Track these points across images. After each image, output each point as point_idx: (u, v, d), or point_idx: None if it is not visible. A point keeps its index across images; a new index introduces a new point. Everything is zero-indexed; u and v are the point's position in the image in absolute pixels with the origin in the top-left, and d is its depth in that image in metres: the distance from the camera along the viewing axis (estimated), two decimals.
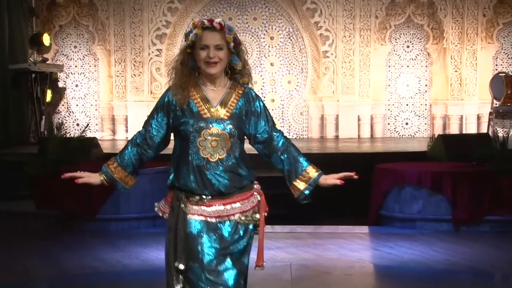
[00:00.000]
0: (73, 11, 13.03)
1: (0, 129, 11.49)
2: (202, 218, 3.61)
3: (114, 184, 3.77)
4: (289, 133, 12.71)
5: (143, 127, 3.77)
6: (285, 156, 3.73)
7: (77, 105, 13.12)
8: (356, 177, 3.65)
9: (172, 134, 3.76)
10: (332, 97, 12.87)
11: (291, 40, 12.86)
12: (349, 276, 6.59)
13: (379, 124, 12.91)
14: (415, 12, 12.78)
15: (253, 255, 3.72)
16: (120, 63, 12.97)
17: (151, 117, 3.75)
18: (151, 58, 12.95)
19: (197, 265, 3.57)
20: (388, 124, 12.95)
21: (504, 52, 12.77)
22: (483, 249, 7.46)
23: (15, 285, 6.36)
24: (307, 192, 3.72)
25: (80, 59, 13.10)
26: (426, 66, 12.86)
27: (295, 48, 12.84)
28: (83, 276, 6.60)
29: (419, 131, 12.91)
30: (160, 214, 3.76)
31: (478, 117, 12.75)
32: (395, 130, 12.94)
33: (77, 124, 12.92)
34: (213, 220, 3.61)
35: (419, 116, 12.91)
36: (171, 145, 3.80)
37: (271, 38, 12.92)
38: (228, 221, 3.63)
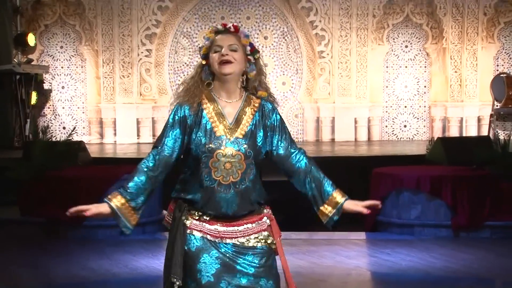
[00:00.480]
0: (59, 10, 12.94)
1: None
2: (202, 235, 3.45)
3: (117, 221, 3.44)
4: None
5: (154, 149, 3.48)
6: (309, 179, 3.56)
7: (63, 107, 13.02)
8: (380, 207, 3.57)
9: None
10: (328, 98, 12.84)
11: (285, 40, 12.81)
12: (346, 284, 6.58)
13: (376, 127, 12.88)
14: (413, 11, 12.78)
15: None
16: (108, 64, 12.87)
17: (164, 136, 3.47)
18: (141, 58, 12.87)
19: (194, 284, 3.42)
20: (386, 126, 12.92)
21: (505, 52, 12.80)
22: (483, 255, 7.43)
23: None
24: (335, 218, 3.57)
25: (66, 59, 13.02)
26: (425, 67, 12.87)
27: (290, 48, 12.81)
28: (70, 285, 6.56)
29: (417, 133, 12.90)
30: (166, 225, 3.58)
31: (479, 119, 12.77)
32: (393, 133, 12.92)
33: (64, 128, 12.82)
34: (213, 239, 3.45)
35: (418, 118, 12.90)
36: None
37: (265, 38, 12.88)
38: (230, 243, 3.46)
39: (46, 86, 12.92)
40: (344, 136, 12.70)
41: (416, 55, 12.77)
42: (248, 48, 3.49)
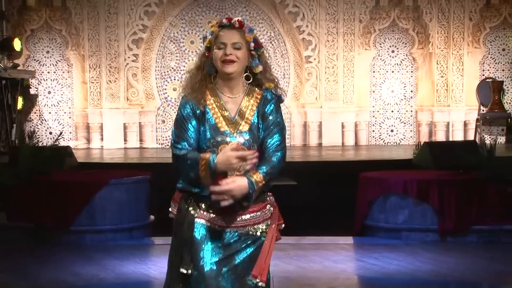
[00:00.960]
0: (45, 15, 12.85)
1: None
2: (209, 224, 3.49)
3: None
4: None
5: (177, 144, 3.47)
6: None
7: (49, 112, 12.93)
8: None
9: None
10: (315, 103, 12.79)
11: (272, 45, 12.74)
12: None
13: (363, 131, 12.85)
14: (400, 16, 12.75)
15: None
16: (94, 69, 12.79)
17: (184, 130, 3.48)
18: (127, 63, 12.78)
19: (196, 273, 3.46)
20: (373, 131, 12.89)
21: (491, 57, 12.77)
22: (470, 259, 7.44)
23: None
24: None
25: (53, 64, 12.91)
26: (412, 72, 12.83)
27: (277, 53, 12.75)
28: None
29: (404, 138, 12.87)
30: (171, 216, 3.61)
31: (465, 124, 12.74)
32: (380, 138, 12.89)
33: (50, 133, 12.74)
34: (219, 228, 3.49)
35: (405, 123, 12.87)
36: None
37: None
38: (235, 231, 3.51)
39: (32, 91, 12.81)
40: (331, 140, 12.65)
41: (403, 60, 12.73)
42: (252, 44, 3.51)
